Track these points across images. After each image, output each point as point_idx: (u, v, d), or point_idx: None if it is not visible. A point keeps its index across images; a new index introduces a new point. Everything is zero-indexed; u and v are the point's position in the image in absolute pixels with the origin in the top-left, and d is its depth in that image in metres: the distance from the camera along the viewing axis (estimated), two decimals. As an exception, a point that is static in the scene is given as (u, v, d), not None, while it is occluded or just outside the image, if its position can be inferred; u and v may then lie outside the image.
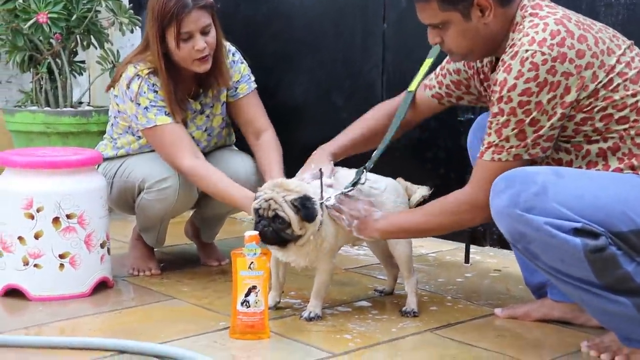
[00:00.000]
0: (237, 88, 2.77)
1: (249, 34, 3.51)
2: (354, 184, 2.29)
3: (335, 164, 2.41)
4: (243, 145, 2.92)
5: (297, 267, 2.32)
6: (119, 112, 2.72)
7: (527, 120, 1.97)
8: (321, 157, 2.39)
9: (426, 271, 2.89)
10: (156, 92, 2.61)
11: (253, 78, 2.80)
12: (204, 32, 2.57)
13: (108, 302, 2.50)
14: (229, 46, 2.76)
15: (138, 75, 2.61)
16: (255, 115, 2.77)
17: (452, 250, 3.18)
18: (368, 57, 3.20)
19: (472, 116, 2.80)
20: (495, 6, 2.03)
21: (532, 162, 2.03)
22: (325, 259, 2.30)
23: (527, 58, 1.95)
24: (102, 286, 2.58)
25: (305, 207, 2.18)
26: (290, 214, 2.18)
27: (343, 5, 3.28)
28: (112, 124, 2.79)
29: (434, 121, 2.92)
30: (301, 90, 3.44)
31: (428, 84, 2.42)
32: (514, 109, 1.98)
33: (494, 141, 2.02)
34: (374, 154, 2.38)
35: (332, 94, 3.33)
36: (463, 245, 3.05)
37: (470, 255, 3.04)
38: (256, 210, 2.22)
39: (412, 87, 2.44)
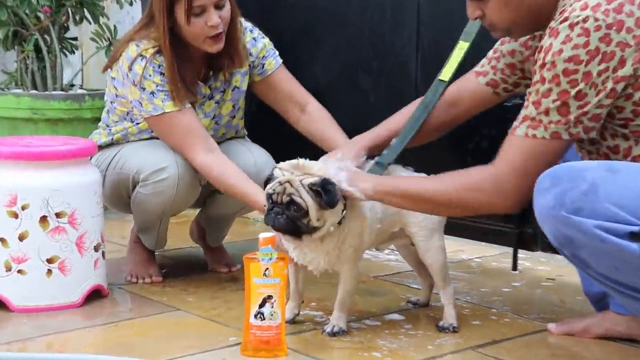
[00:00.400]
0: (264, 65, 2.78)
1: (264, 5, 3.51)
2: None
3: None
4: (255, 137, 2.90)
5: (315, 271, 2.30)
6: (116, 96, 2.70)
7: (573, 92, 1.96)
8: (351, 150, 2.36)
9: (468, 280, 2.89)
10: (162, 74, 2.60)
11: (277, 52, 2.81)
12: (218, 6, 2.55)
13: (102, 314, 2.50)
14: (243, 22, 2.74)
15: (142, 55, 2.59)
16: (293, 88, 2.80)
17: (498, 255, 3.18)
18: (400, 32, 3.19)
19: (520, 101, 2.75)
20: None
21: (571, 142, 2.00)
22: (349, 262, 2.29)
23: (577, 22, 1.94)
24: (95, 295, 2.58)
25: (326, 191, 2.15)
26: (307, 200, 2.16)
27: (371, -27, 3.28)
28: (107, 110, 2.78)
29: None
30: (323, 70, 3.44)
31: (481, 71, 2.41)
32: (557, 76, 1.96)
33: (530, 114, 2.01)
34: (393, 143, 2.34)
35: (359, 75, 3.33)
36: (510, 250, 3.04)
37: (519, 262, 3.03)
38: (269, 196, 2.20)
39: (445, 75, 2.42)
